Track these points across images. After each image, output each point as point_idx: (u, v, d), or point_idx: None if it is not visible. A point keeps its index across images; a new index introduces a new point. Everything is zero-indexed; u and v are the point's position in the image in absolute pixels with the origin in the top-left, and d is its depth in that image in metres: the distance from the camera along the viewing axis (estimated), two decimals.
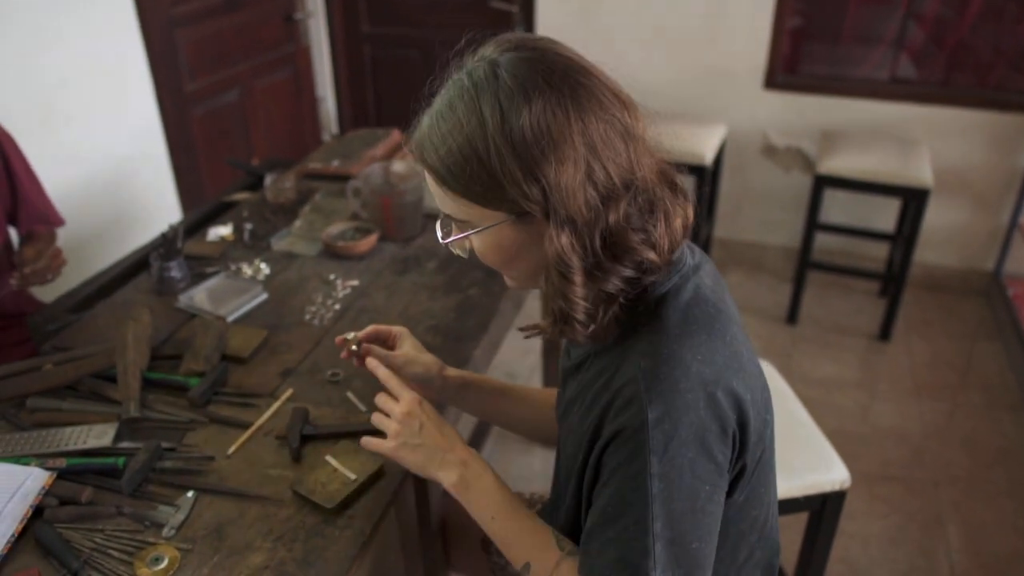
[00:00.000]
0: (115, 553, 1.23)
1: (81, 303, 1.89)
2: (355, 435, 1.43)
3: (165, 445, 1.41)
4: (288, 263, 2.01)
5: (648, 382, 0.91)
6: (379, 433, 1.24)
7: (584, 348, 1.06)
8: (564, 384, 1.15)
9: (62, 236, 2.24)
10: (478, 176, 0.92)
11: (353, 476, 1.32)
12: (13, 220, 2.10)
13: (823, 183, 3.30)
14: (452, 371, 1.38)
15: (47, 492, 1.32)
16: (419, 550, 1.54)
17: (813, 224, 3.37)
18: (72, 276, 1.97)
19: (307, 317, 1.78)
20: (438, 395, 1.38)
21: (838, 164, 3.25)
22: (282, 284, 1.92)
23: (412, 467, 1.18)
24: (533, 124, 0.90)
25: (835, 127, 3.62)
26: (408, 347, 1.37)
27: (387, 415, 1.21)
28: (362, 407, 1.51)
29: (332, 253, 2.02)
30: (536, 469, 2.68)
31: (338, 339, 1.38)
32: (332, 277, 1.94)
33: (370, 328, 1.40)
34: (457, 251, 1.07)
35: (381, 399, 1.22)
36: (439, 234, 1.08)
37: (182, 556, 1.22)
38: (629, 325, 0.98)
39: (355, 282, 1.91)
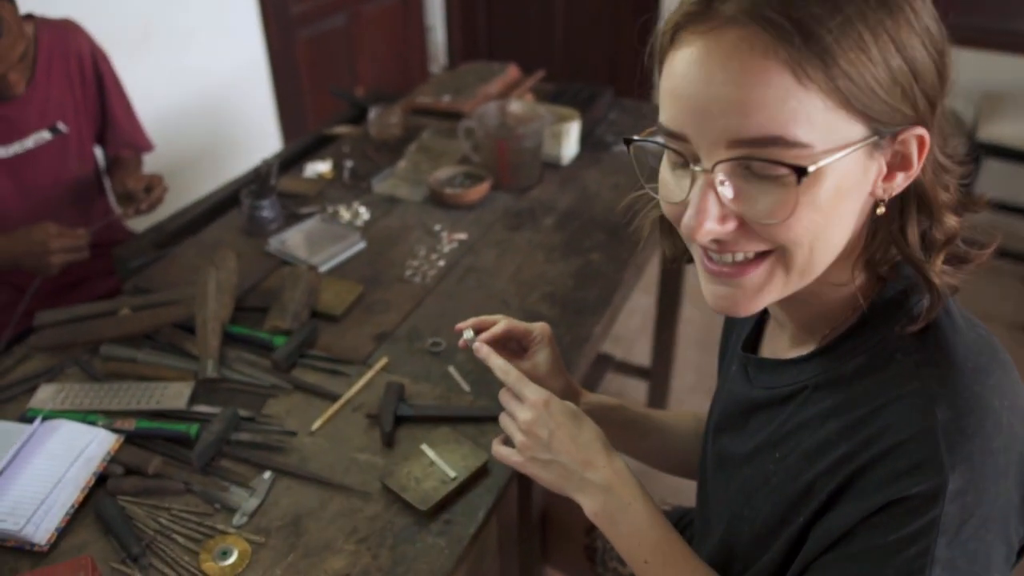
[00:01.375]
0: (180, 539, 1.07)
1: (168, 238, 1.74)
2: (456, 421, 1.24)
3: (243, 413, 1.25)
4: (389, 208, 1.82)
5: (951, 439, 0.66)
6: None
7: (790, 375, 0.81)
8: (744, 418, 0.89)
9: (152, 163, 2.10)
10: (864, 54, 0.61)
11: (453, 474, 1.13)
12: (101, 141, 1.97)
13: (981, 151, 2.91)
14: (589, 397, 1.13)
15: (112, 458, 1.17)
16: (516, 548, 1.35)
17: None
18: (160, 208, 1.82)
19: (408, 273, 1.59)
20: None
21: (1002, 131, 2.85)
22: (382, 232, 1.73)
23: (547, 486, 0.95)
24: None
25: (999, 88, 3.20)
26: (543, 361, 1.07)
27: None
28: (465, 386, 1.31)
29: (438, 200, 1.82)
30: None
31: (458, 328, 1.13)
32: (437, 228, 1.73)
33: (499, 328, 1.05)
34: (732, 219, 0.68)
35: (505, 398, 0.98)
36: (719, 191, 0.66)
37: (253, 551, 1.06)
38: (877, 345, 0.74)
39: (463, 235, 1.71)
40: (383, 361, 1.36)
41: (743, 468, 0.86)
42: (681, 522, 1.25)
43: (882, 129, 0.64)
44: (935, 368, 0.69)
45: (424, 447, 1.17)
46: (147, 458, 1.16)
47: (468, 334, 1.07)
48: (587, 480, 0.88)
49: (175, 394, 1.27)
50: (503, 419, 0.97)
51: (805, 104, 0.60)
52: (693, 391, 2.73)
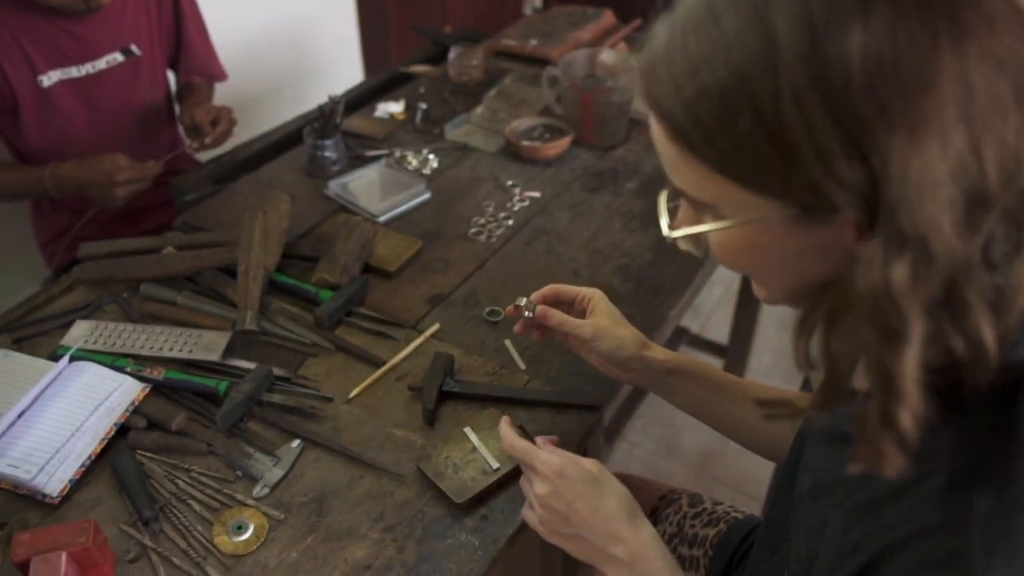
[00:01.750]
0: (196, 506, 0.99)
1: (226, 173, 1.65)
2: (507, 404, 1.11)
3: (278, 372, 1.15)
4: (460, 158, 1.69)
5: (990, 536, 0.53)
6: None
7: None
8: (829, 444, 0.73)
9: (225, 94, 2.02)
10: (750, 140, 0.55)
11: (495, 465, 1.01)
12: (174, 67, 1.89)
13: None
14: (657, 351, 1.02)
15: (136, 409, 1.09)
16: None
17: None
18: (229, 142, 1.73)
19: (472, 231, 1.46)
20: (636, 380, 1.04)
21: None
22: (449, 183, 1.60)
23: (576, 556, 0.88)
24: (869, 55, 0.50)
25: None
26: (602, 315, 1.01)
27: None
28: (521, 364, 1.19)
29: (514, 153, 1.68)
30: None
31: (508, 309, 1.05)
32: (510, 183, 1.60)
33: (548, 288, 1.05)
34: (685, 246, 0.70)
35: (524, 470, 0.91)
36: (662, 219, 0.71)
37: (270, 528, 0.97)
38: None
39: (536, 193, 1.57)
40: (434, 327, 1.24)
41: (808, 500, 0.73)
42: (749, 535, 1.11)
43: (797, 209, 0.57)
44: (982, 450, 0.55)
45: (467, 430, 1.06)
46: (172, 412, 1.08)
47: (522, 300, 1.02)
48: (611, 555, 0.83)
49: (209, 344, 1.18)
50: (523, 484, 0.91)
51: (700, 179, 0.61)
52: (770, 374, 2.56)
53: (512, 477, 1.01)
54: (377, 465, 1.03)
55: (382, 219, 1.47)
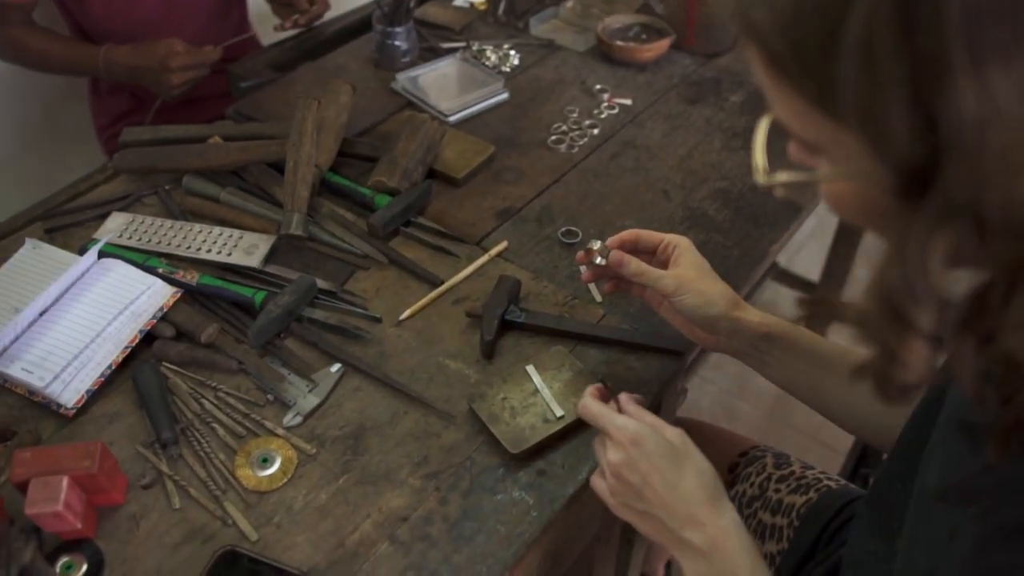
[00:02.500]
0: (220, 430, 0.88)
1: (288, 59, 1.51)
2: (577, 341, 0.97)
3: (322, 285, 1.02)
4: (545, 56, 1.50)
5: None
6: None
7: None
8: (968, 440, 0.58)
9: None
10: (852, 69, 0.44)
11: (559, 412, 0.87)
12: None
13: None
14: (751, 312, 0.86)
15: (164, 316, 0.98)
16: None
17: None
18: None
19: (552, 139, 1.29)
20: (724, 345, 0.88)
21: None
22: (531, 84, 1.42)
23: (646, 535, 0.75)
24: None
25: None
26: (687, 266, 0.86)
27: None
28: (598, 296, 1.04)
29: (605, 54, 1.49)
30: None
31: (580, 255, 0.91)
32: (598, 87, 1.41)
33: (627, 232, 0.90)
34: (783, 193, 0.68)
35: (590, 404, 0.79)
36: (758, 158, 0.58)
37: (299, 463, 0.85)
38: None
39: (628, 100, 1.38)
40: (502, 245, 1.09)
41: (934, 501, 0.59)
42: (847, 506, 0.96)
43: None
44: None
45: (530, 369, 0.91)
46: (203, 322, 0.96)
47: (596, 244, 0.87)
48: (686, 541, 0.71)
49: (250, 248, 1.06)
50: (596, 447, 0.78)
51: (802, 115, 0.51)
52: None
53: (577, 428, 0.87)
54: (424, 400, 0.90)
55: (452, 119, 1.31)
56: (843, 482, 1.01)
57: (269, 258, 1.06)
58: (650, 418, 0.75)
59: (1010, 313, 0.45)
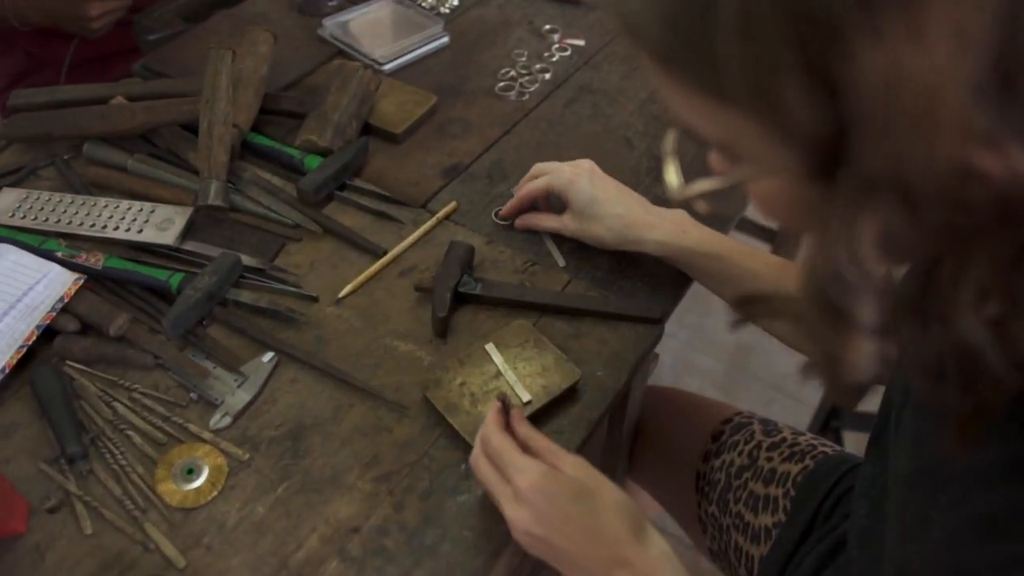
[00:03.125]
0: (137, 438, 0.76)
1: (202, 8, 1.35)
2: (541, 312, 0.87)
3: (248, 262, 0.90)
4: None
5: None
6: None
7: None
8: (934, 422, 0.51)
9: None
10: (732, 41, 0.39)
11: (526, 397, 0.77)
12: None
13: None
14: (696, 233, 0.86)
15: (65, 307, 0.85)
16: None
17: None
18: None
19: (500, 86, 1.17)
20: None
21: None
22: (473, 26, 1.29)
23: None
24: None
25: None
26: (579, 200, 0.90)
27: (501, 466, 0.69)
28: (560, 259, 0.93)
29: None
30: None
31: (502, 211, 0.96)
32: (547, 28, 1.29)
33: (516, 198, 0.96)
34: (706, 208, 0.55)
35: (492, 437, 0.69)
36: (670, 174, 0.54)
37: (231, 472, 0.74)
38: None
39: (580, 41, 1.26)
40: (450, 206, 0.98)
41: (905, 488, 0.54)
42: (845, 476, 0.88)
43: None
44: None
45: (490, 348, 0.81)
46: (111, 313, 0.84)
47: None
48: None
49: (164, 223, 0.93)
50: (492, 488, 0.68)
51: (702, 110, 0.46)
52: None
53: (547, 413, 0.77)
54: (372, 390, 0.79)
55: (388, 68, 1.18)
56: (838, 448, 0.94)
57: (186, 234, 0.93)
58: (543, 445, 0.67)
59: (961, 292, 0.40)
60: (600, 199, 0.87)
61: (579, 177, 0.88)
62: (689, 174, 0.51)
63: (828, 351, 0.46)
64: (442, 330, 0.84)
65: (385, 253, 0.92)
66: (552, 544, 0.64)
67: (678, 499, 1.04)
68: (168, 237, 0.91)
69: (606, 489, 0.65)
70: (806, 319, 0.46)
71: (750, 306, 0.65)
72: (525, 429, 0.69)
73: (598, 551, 0.63)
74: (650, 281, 0.91)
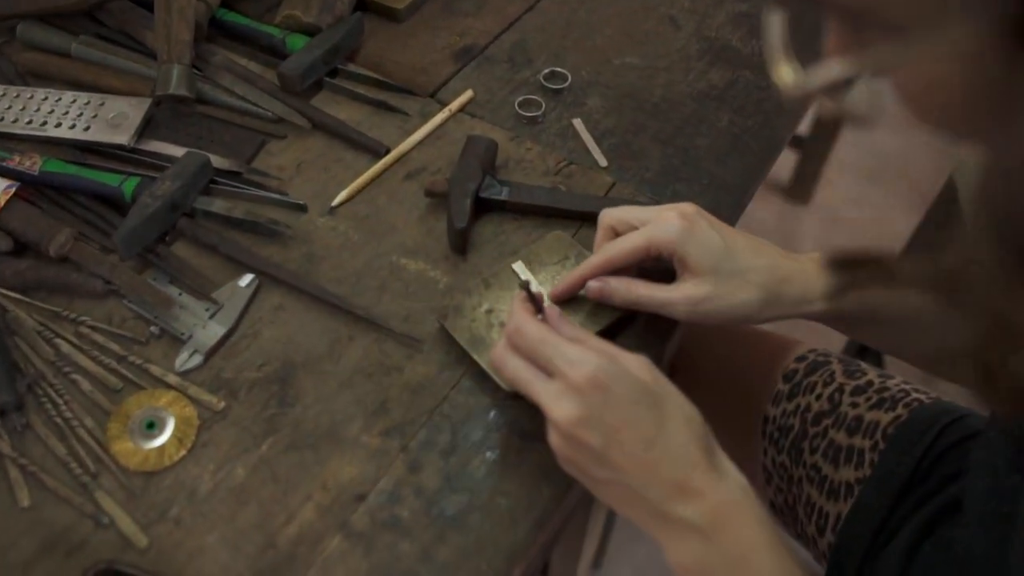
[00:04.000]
0: (85, 384, 0.61)
1: None
2: (580, 221, 0.71)
3: (220, 164, 0.73)
4: None
5: None
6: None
7: None
8: None
9: None
10: None
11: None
12: None
13: None
14: (806, 284, 0.62)
15: None
16: None
17: None
18: None
19: None
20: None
21: None
22: None
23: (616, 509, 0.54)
24: None
25: None
26: (698, 267, 0.60)
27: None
28: (601, 158, 0.76)
29: None
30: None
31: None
32: None
33: (588, 265, 0.62)
34: (833, 105, 0.39)
35: (527, 326, 0.54)
36: (777, 59, 0.38)
37: (202, 425, 0.59)
38: None
39: None
40: (466, 96, 0.81)
41: None
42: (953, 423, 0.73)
43: None
44: None
45: (519, 267, 0.65)
46: (51, 228, 0.68)
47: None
48: (674, 517, 0.50)
49: (116, 118, 0.75)
50: (534, 388, 0.53)
51: None
52: (864, 192, 2.10)
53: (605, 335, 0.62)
54: (376, 320, 0.64)
55: None
56: (933, 395, 0.79)
57: (144, 131, 0.76)
58: (600, 343, 0.53)
59: None
60: (736, 250, 0.61)
61: (697, 225, 0.60)
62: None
63: (997, 320, 0.35)
64: (461, 244, 0.68)
65: (388, 151, 0.75)
66: (605, 459, 0.50)
67: (737, 445, 0.89)
68: (121, 135, 0.74)
69: (674, 396, 0.52)
70: (964, 274, 0.36)
71: (854, 270, 0.48)
72: (569, 328, 0.54)
73: (662, 471, 0.50)
74: (711, 183, 0.75)
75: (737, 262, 0.60)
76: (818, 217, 2.00)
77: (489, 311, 0.62)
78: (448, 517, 0.55)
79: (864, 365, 0.83)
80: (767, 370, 0.85)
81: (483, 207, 0.71)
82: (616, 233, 0.62)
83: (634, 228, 0.61)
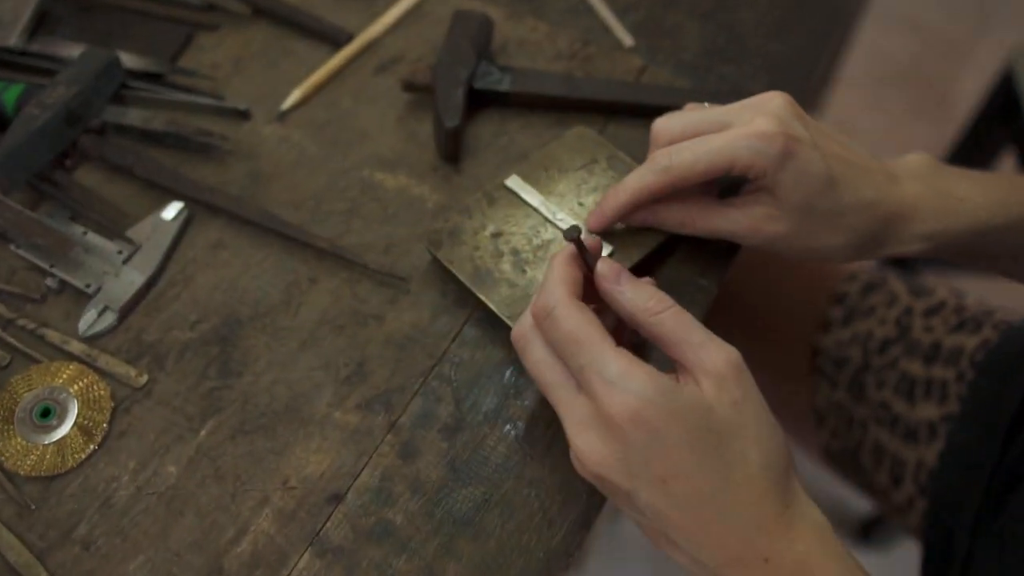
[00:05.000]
0: None
1: None
2: (606, 115, 0.54)
3: (134, 63, 0.56)
4: None
5: None
6: None
7: None
8: None
9: None
10: None
11: (608, 247, 0.46)
12: None
13: None
14: (972, 189, 0.47)
15: None
16: None
17: None
18: None
19: None
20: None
21: None
22: None
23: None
24: None
25: None
26: (787, 186, 0.43)
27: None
28: (627, 37, 0.60)
29: None
30: None
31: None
32: None
33: (710, 154, 0.43)
34: None
35: (561, 308, 0.37)
36: None
37: (117, 409, 0.44)
38: None
39: None
40: None
41: None
42: None
43: None
44: None
45: (513, 184, 0.49)
46: None
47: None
48: (739, 558, 0.35)
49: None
50: (558, 397, 0.37)
51: None
52: (872, 86, 1.92)
53: (648, 267, 0.47)
54: (345, 255, 0.48)
55: None
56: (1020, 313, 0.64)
57: (36, 29, 0.59)
58: (670, 327, 0.37)
59: None
60: (840, 180, 0.44)
61: (800, 148, 0.43)
62: None
63: None
64: (453, 150, 0.52)
65: (351, 39, 0.58)
66: (642, 506, 0.35)
67: (778, 384, 0.75)
68: (9, 35, 0.57)
69: (751, 430, 0.36)
70: None
71: None
72: (632, 290, 0.38)
73: (720, 535, 0.35)
74: (765, 64, 0.59)
75: (837, 198, 0.44)
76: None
77: (496, 234, 0.47)
78: (458, 520, 0.40)
79: (932, 281, 0.68)
80: (812, 293, 0.70)
81: (479, 101, 0.54)
82: (671, 136, 0.46)
83: (700, 130, 0.45)
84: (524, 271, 0.45)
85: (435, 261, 0.47)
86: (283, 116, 0.55)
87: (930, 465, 0.63)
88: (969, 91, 1.63)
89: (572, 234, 0.37)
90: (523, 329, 0.38)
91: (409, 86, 0.54)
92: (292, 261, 0.48)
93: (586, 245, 0.37)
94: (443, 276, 0.47)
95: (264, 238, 0.49)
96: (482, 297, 0.45)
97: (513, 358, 0.44)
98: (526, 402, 0.43)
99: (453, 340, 0.46)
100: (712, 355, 0.36)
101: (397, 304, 0.47)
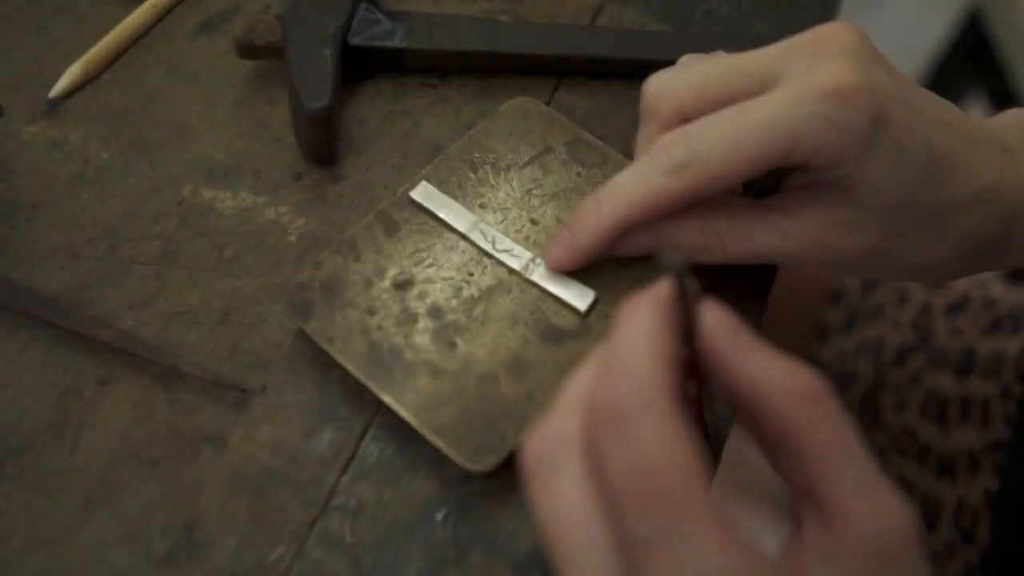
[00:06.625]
0: None
1: None
2: (560, 76, 0.36)
3: None
4: None
5: None
6: None
7: None
8: None
9: None
10: None
11: (583, 297, 0.28)
12: None
13: None
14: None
15: None
16: None
17: None
18: None
19: None
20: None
21: None
22: None
23: None
24: None
25: None
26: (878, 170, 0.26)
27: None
28: None
29: None
30: None
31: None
32: None
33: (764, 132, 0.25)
34: None
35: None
36: None
37: None
38: None
39: None
40: None
41: None
42: None
43: None
44: None
45: (418, 193, 0.31)
46: None
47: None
48: None
49: None
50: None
51: None
52: None
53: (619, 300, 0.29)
54: (147, 354, 0.28)
55: None
56: None
57: None
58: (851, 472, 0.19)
59: None
60: (948, 157, 0.28)
61: (892, 106, 0.26)
62: None
63: None
64: (323, 145, 0.33)
65: None
66: None
67: (794, 346, 0.61)
68: None
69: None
70: None
71: None
72: (766, 361, 0.19)
73: None
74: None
75: (946, 189, 0.28)
76: None
77: (402, 284, 0.28)
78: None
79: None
80: (801, 290, 0.56)
81: (361, 66, 0.35)
82: (683, 119, 0.28)
83: (717, 107, 0.27)
84: (454, 344, 0.27)
85: (303, 337, 0.28)
86: (53, 107, 0.35)
87: (974, 505, 0.49)
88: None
89: (675, 261, 0.18)
90: (551, 442, 0.19)
91: (248, 49, 0.35)
92: (67, 354, 0.29)
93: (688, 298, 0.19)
94: (321, 358, 0.29)
95: (17, 320, 0.30)
96: (386, 399, 0.26)
97: (452, 493, 0.27)
98: (472, 555, 0.26)
99: (344, 470, 0.27)
100: (880, 506, 0.18)
101: (247, 413, 0.28)
